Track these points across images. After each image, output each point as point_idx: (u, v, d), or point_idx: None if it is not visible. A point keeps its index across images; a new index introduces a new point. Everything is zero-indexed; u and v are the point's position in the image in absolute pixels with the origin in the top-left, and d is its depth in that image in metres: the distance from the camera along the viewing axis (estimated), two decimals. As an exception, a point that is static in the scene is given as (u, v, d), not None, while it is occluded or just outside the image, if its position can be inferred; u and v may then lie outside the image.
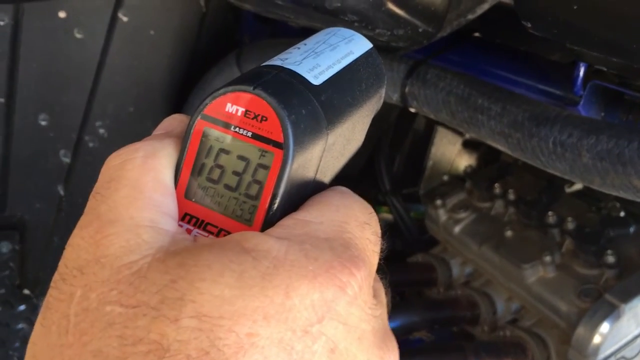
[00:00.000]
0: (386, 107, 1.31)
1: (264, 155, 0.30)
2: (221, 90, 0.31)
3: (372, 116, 0.37)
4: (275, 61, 0.33)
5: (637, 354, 0.99)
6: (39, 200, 1.16)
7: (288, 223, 0.30)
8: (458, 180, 1.40)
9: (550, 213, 1.14)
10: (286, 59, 0.33)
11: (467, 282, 1.27)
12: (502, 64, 0.76)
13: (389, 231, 1.43)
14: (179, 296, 0.25)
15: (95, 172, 1.20)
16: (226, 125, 0.31)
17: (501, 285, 1.18)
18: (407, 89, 0.70)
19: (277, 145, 0.30)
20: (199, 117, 0.32)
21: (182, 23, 1.11)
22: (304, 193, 0.32)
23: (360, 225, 0.31)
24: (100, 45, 1.04)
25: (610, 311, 0.95)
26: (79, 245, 0.28)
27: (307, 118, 0.31)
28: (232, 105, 0.31)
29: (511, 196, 1.23)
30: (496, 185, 1.25)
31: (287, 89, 0.31)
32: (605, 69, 0.55)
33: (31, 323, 1.28)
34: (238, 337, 0.25)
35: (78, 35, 1.03)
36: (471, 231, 1.25)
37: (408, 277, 1.30)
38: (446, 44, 0.79)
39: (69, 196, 1.17)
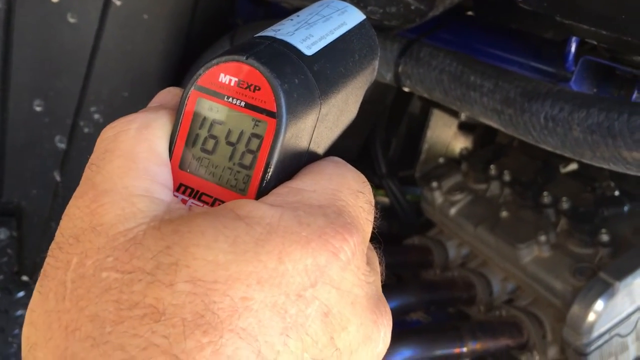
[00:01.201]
0: (381, 90, 1.32)
1: (257, 125, 0.30)
2: (214, 61, 0.31)
3: (365, 88, 0.37)
4: (268, 32, 0.33)
5: (631, 331, 1.00)
6: (35, 187, 1.16)
7: (281, 191, 0.30)
8: (454, 162, 1.40)
9: (545, 193, 1.15)
10: (279, 30, 0.33)
11: (463, 264, 1.28)
12: (495, 42, 0.76)
13: (385, 214, 1.43)
14: (174, 261, 0.26)
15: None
16: (219, 96, 0.31)
17: (497, 266, 1.19)
18: (400, 68, 0.70)
19: (270, 114, 0.30)
20: (192, 88, 0.31)
21: (176, 7, 1.11)
22: (297, 163, 0.32)
23: (353, 193, 0.31)
24: (94, 30, 1.04)
25: (605, 289, 0.96)
26: (75, 215, 0.29)
27: (299, 87, 0.31)
28: (225, 75, 0.31)
29: (507, 177, 1.23)
30: (492, 166, 1.26)
31: (280, 58, 0.31)
32: (596, 43, 0.55)
33: (30, 309, 1.28)
34: (232, 301, 0.25)
35: (71, 20, 1.02)
36: (467, 213, 1.26)
37: (405, 259, 1.31)
38: (439, 23, 0.79)
39: (66, 182, 1.17)
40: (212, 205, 0.31)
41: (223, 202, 0.31)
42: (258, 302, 0.26)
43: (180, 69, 1.16)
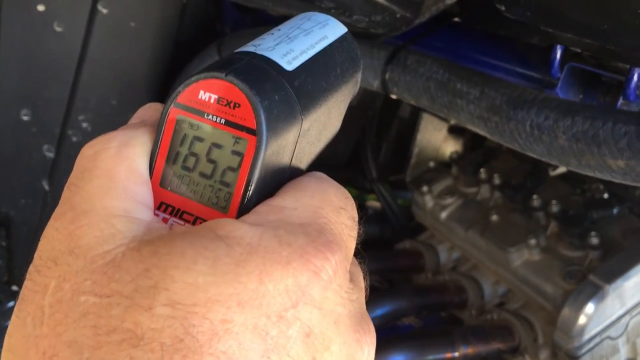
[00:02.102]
0: (370, 95, 1.31)
1: (237, 142, 0.30)
2: (193, 78, 0.31)
3: (348, 101, 0.37)
4: (249, 47, 0.33)
5: (622, 334, 1.00)
6: (24, 196, 1.15)
7: (262, 209, 0.30)
8: (444, 166, 1.40)
9: (534, 197, 1.15)
10: (259, 45, 0.33)
11: (454, 267, 1.28)
12: (481, 48, 0.76)
13: (376, 218, 1.43)
14: (152, 284, 0.25)
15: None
16: (199, 113, 0.31)
17: (488, 269, 1.19)
18: (387, 76, 0.70)
19: (251, 131, 0.30)
20: (172, 105, 0.31)
21: (163, 14, 1.10)
22: (279, 179, 0.32)
23: (335, 210, 0.31)
24: (81, 38, 1.04)
25: (595, 292, 0.96)
26: (53, 237, 0.28)
27: (280, 104, 0.30)
28: (205, 92, 0.30)
29: (496, 181, 1.24)
30: (482, 170, 1.26)
31: (260, 74, 0.31)
32: (580, 51, 0.55)
33: (20, 319, 1.27)
34: (212, 324, 0.25)
35: (58, 29, 1.02)
36: (457, 216, 1.26)
37: (396, 263, 1.31)
38: (426, 30, 0.79)
39: (54, 191, 1.17)
40: (194, 223, 0.31)
41: (204, 220, 0.31)
42: (238, 325, 0.25)
43: (168, 77, 1.15)
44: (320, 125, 0.34)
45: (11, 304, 1.28)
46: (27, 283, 0.28)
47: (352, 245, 0.31)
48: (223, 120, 0.30)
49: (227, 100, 0.30)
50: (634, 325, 1.00)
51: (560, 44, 0.57)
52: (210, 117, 0.30)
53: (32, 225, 1.19)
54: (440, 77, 0.64)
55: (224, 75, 0.30)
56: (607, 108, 0.50)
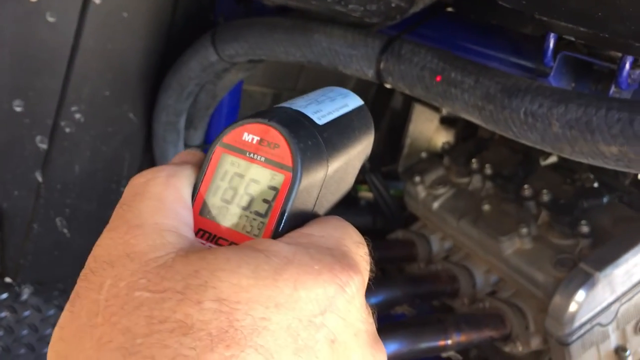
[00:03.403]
0: (363, 86, 1.32)
1: (274, 178, 0.35)
2: (239, 122, 0.36)
3: (362, 161, 0.42)
4: (284, 104, 0.38)
5: (612, 320, 1.02)
6: (17, 188, 1.15)
7: (293, 234, 0.34)
8: (436, 156, 1.41)
9: (526, 186, 1.16)
10: (293, 103, 0.38)
11: (446, 257, 1.29)
12: (475, 38, 0.77)
13: (369, 209, 1.44)
14: (202, 283, 0.29)
15: (72, 157, 1.20)
16: (242, 152, 0.36)
17: (480, 259, 1.21)
18: (382, 65, 0.71)
19: (287, 168, 0.35)
20: (218, 145, 0.36)
21: (156, 4, 1.10)
22: (304, 217, 0.36)
23: (355, 243, 0.35)
24: (73, 28, 1.03)
25: (586, 279, 0.97)
26: (108, 245, 0.32)
27: (312, 148, 0.36)
28: (249, 134, 0.36)
29: (488, 171, 1.25)
30: (473, 160, 1.27)
31: (297, 123, 0.36)
32: (573, 39, 0.56)
33: (14, 311, 1.27)
34: (253, 320, 0.28)
35: (50, 19, 1.02)
36: (450, 206, 1.27)
37: (389, 253, 1.32)
38: (420, 20, 0.80)
39: (48, 182, 1.16)
40: None
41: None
42: (275, 323, 0.28)
43: (161, 67, 1.15)
44: (339, 177, 0.39)
45: (4, 295, 1.28)
46: (81, 283, 0.31)
47: (366, 276, 0.35)
48: (263, 159, 0.35)
49: (267, 141, 0.35)
50: (623, 312, 1.02)
51: (554, 32, 0.58)
52: (251, 155, 0.36)
53: (25, 217, 1.19)
54: (434, 67, 0.64)
55: (267, 120, 0.35)
56: (600, 96, 0.51)
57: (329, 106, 0.40)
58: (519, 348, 1.10)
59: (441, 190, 1.30)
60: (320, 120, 0.38)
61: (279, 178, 0.35)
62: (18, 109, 1.07)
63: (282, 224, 0.35)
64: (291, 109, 0.37)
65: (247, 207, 0.35)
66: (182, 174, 0.36)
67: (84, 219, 1.24)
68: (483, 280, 1.21)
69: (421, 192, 1.31)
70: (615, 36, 0.47)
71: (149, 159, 1.24)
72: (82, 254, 1.19)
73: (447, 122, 1.44)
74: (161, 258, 0.30)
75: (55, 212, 1.21)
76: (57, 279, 1.31)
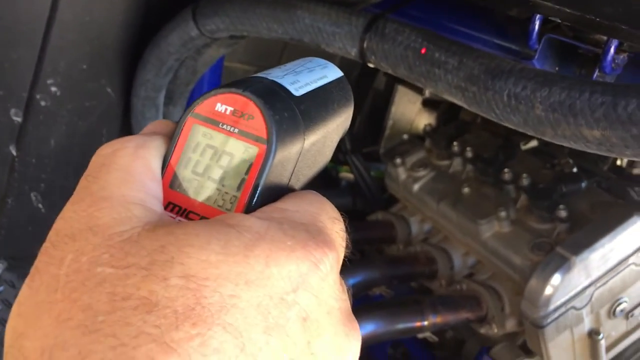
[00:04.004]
0: (346, 66, 1.31)
1: (247, 151, 0.34)
2: (212, 92, 0.35)
3: (340, 135, 0.41)
4: (260, 74, 0.37)
5: (586, 304, 1.03)
6: (-11, 161, 1.12)
7: (266, 209, 0.33)
8: (417, 139, 1.41)
9: (506, 170, 1.16)
10: (269, 73, 0.37)
11: (425, 239, 1.30)
12: (460, 19, 0.76)
13: (349, 190, 1.44)
14: (168, 259, 0.27)
15: (48, 131, 1.17)
16: (214, 123, 0.34)
17: (458, 241, 1.21)
18: (365, 44, 0.70)
19: (261, 141, 0.33)
20: (189, 115, 0.35)
21: (136, -24, 1.07)
22: (280, 191, 0.35)
23: (330, 219, 0.34)
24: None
25: (562, 263, 0.98)
26: (71, 217, 0.30)
27: (288, 120, 0.34)
28: (222, 104, 0.34)
29: (469, 154, 1.25)
30: (455, 143, 1.27)
31: (273, 94, 0.35)
32: (559, 21, 0.55)
33: (-13, 286, 1.25)
34: (221, 297, 0.27)
35: (26, -11, 0.99)
36: (430, 189, 1.27)
37: (368, 234, 1.32)
38: (405, -1, 0.79)
39: (22, 156, 1.14)
40: None
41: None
42: (244, 301, 0.27)
43: (140, 41, 1.13)
44: (316, 150, 0.38)
45: (-23, 271, 1.26)
46: (41, 257, 0.30)
47: (342, 253, 0.34)
48: (236, 130, 0.34)
49: (241, 112, 0.34)
50: (598, 296, 1.03)
51: (540, 14, 0.57)
52: (224, 126, 0.34)
53: (-1, 191, 1.16)
54: (418, 46, 0.63)
55: (241, 91, 0.34)
56: (584, 79, 0.50)
57: (307, 77, 0.38)
58: (494, 330, 1.11)
59: (422, 173, 1.30)
60: (298, 92, 0.36)
61: (252, 151, 0.34)
62: (-8, 81, 1.05)
63: (255, 199, 0.33)
64: (267, 79, 0.36)
65: (219, 181, 0.34)
66: (152, 145, 0.34)
67: (60, 194, 1.22)
68: (461, 263, 1.22)
69: (402, 174, 1.31)
70: (602, 18, 0.47)
71: (126, 135, 1.22)
72: (56, 229, 1.14)
73: (430, 104, 1.44)
74: (126, 232, 0.29)
75: (30, 187, 1.19)
76: (31, 254, 1.29)
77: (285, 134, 0.34)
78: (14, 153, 1.13)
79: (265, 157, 0.33)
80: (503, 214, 1.11)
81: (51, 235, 0.30)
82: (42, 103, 1.10)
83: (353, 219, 1.36)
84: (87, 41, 1.08)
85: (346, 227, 0.35)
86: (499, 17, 0.75)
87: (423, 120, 1.45)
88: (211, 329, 0.26)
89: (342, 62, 1.30)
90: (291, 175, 0.36)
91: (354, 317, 0.34)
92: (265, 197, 0.34)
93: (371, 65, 0.72)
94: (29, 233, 1.24)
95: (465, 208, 1.17)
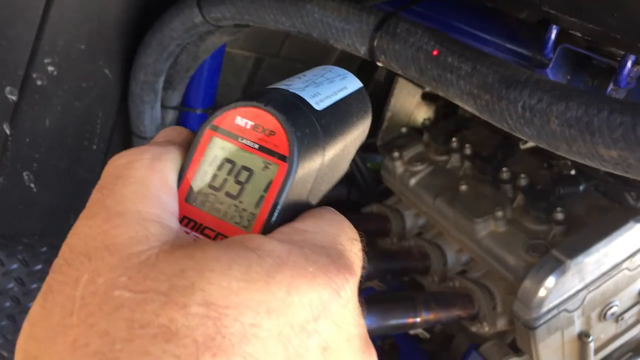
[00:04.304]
0: (347, 57, 1.29)
1: (267, 167, 0.33)
2: (232, 105, 0.34)
3: (357, 147, 0.40)
4: (281, 85, 0.36)
5: (578, 307, 1.03)
6: (-17, 139, 1.10)
7: (286, 230, 0.32)
8: (416, 132, 1.40)
9: (504, 169, 1.16)
10: (290, 85, 0.36)
11: (419, 233, 1.30)
12: (471, 20, 0.75)
13: (344, 180, 1.43)
14: (189, 284, 0.26)
15: (43, 111, 1.14)
16: (234, 136, 0.33)
17: (452, 238, 1.21)
18: (375, 42, 0.68)
19: (282, 158, 0.32)
20: (207, 127, 0.34)
21: (139, -43, 1.05)
22: (298, 207, 0.34)
23: (350, 240, 0.33)
24: (50, -24, 0.98)
25: (557, 266, 0.98)
26: (85, 233, 0.29)
27: (309, 137, 0.33)
28: (242, 118, 0.33)
29: (467, 151, 1.24)
30: (453, 139, 1.26)
31: (295, 109, 0.34)
32: (579, 35, 0.55)
33: (-24, 265, 1.24)
34: (242, 327, 0.26)
35: (25, -35, 0.96)
36: (426, 184, 1.26)
37: (362, 227, 1.31)
38: (416, -3, 0.77)
39: (16, 135, 1.12)
40: (214, 239, 0.33)
41: (226, 236, 0.33)
42: (265, 330, 0.27)
43: (141, 23, 1.11)
44: (334, 165, 0.37)
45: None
46: (55, 275, 0.29)
47: (359, 274, 0.33)
48: (256, 145, 0.33)
49: (262, 127, 0.33)
50: (590, 299, 1.04)
51: (559, 26, 0.56)
52: (244, 141, 0.33)
53: (-9, 169, 1.14)
54: (430, 49, 0.62)
55: (263, 105, 0.33)
56: (603, 96, 0.50)
57: (328, 89, 0.37)
58: (485, 328, 1.12)
59: (419, 167, 1.29)
60: (319, 105, 0.35)
61: (273, 168, 0.33)
62: (-13, 58, 1.02)
63: (275, 217, 0.32)
64: (288, 91, 0.35)
65: (236, 196, 0.33)
66: (168, 157, 0.33)
67: (53, 175, 1.20)
68: (454, 259, 1.22)
69: (399, 167, 1.31)
70: (623, 35, 0.46)
71: (123, 118, 1.20)
72: (48, 209, 1.16)
73: (429, 97, 1.43)
74: (143, 253, 0.28)
75: (22, 166, 1.17)
76: (21, 233, 1.28)
77: (307, 151, 0.33)
78: (8, 132, 1.11)
79: (286, 176, 0.32)
80: (500, 213, 1.11)
81: (64, 251, 0.29)
82: (38, 82, 1.08)
83: (347, 210, 1.36)
84: (87, 20, 1.06)
85: (363, 246, 0.34)
86: (509, 19, 0.74)
87: (422, 113, 1.45)
88: (231, 359, 0.25)
89: (342, 54, 1.29)
90: (310, 191, 0.35)
91: (371, 343, 0.33)
92: (284, 216, 0.33)
93: (379, 64, 0.71)
94: (19, 212, 1.23)
95: (462, 205, 1.17)
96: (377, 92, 1.45)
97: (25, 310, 1.33)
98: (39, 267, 1.33)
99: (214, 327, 0.26)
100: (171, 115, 1.18)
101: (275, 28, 0.79)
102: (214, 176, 0.33)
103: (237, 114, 0.33)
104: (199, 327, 0.26)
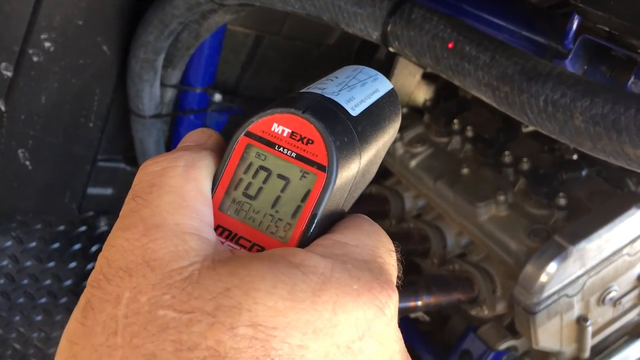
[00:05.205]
0: (348, 37, 1.27)
1: (305, 177, 0.32)
2: (268, 111, 0.33)
3: (386, 151, 0.39)
4: (314, 89, 0.35)
5: (578, 292, 1.04)
6: (-23, 116, 1.08)
7: (327, 243, 0.31)
8: (416, 113, 1.39)
9: (506, 153, 1.15)
10: (324, 88, 0.35)
11: (418, 215, 1.29)
12: (486, 5, 0.73)
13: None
14: (235, 304, 0.26)
15: (39, 87, 1.12)
16: (270, 144, 0.32)
17: (453, 221, 1.21)
18: (389, 28, 0.67)
19: (321, 167, 0.32)
20: (242, 134, 0.33)
21: None
22: (334, 218, 0.33)
23: (388, 252, 0.33)
24: (47, -51, 0.95)
25: (559, 252, 0.99)
26: (124, 247, 0.28)
27: (348, 145, 0.33)
28: (279, 125, 0.32)
29: (469, 133, 1.23)
30: (455, 121, 1.25)
31: (332, 116, 0.33)
32: (605, 28, 0.53)
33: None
34: (290, 348, 0.26)
35: (22, -63, 0.93)
36: (427, 166, 1.26)
37: (361, 209, 1.31)
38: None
39: (11, 112, 1.10)
40: (250, 249, 0.32)
41: (261, 247, 0.32)
42: (312, 352, 0.26)
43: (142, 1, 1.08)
44: (367, 170, 0.36)
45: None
46: (94, 291, 0.28)
47: (396, 286, 0.33)
48: (294, 154, 0.32)
49: (300, 135, 0.32)
50: (590, 285, 1.04)
51: (587, 19, 0.55)
52: (281, 149, 0.32)
53: (-14, 146, 1.12)
54: (447, 37, 0.61)
55: (301, 112, 0.32)
56: (629, 93, 0.49)
57: (361, 93, 0.36)
58: (485, 312, 1.12)
59: (419, 149, 1.28)
60: (354, 111, 0.35)
61: (311, 177, 0.32)
62: (-18, 33, 1.00)
63: (313, 228, 0.32)
64: (324, 96, 0.34)
65: (272, 206, 0.32)
66: (202, 164, 0.32)
67: (48, 152, 1.18)
68: (454, 242, 1.22)
69: (399, 148, 1.30)
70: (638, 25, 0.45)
71: (120, 96, 1.18)
72: (43, 187, 1.14)
73: (429, 77, 1.41)
74: (185, 269, 0.27)
75: (17, 143, 1.15)
76: (16, 211, 1.27)
77: (345, 160, 0.32)
78: (3, 108, 1.09)
79: (325, 186, 0.31)
80: (501, 197, 1.11)
81: (102, 265, 0.28)
82: (35, 58, 1.05)
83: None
84: (85, -4, 1.03)
85: (399, 258, 0.34)
86: (523, 5, 0.73)
87: (422, 93, 1.43)
88: None
89: (344, 32, 1.27)
90: (345, 198, 0.34)
91: (409, 356, 0.33)
92: (322, 226, 0.32)
93: (392, 50, 0.69)
94: (14, 189, 1.21)
95: (463, 189, 1.16)
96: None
97: (19, 287, 1.32)
98: (33, 244, 1.32)
99: (262, 349, 0.25)
100: (170, 93, 1.16)
101: (284, 9, 0.77)
102: (249, 184, 0.33)
103: (273, 121, 0.32)
104: (247, 349, 0.25)
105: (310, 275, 0.28)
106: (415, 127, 1.32)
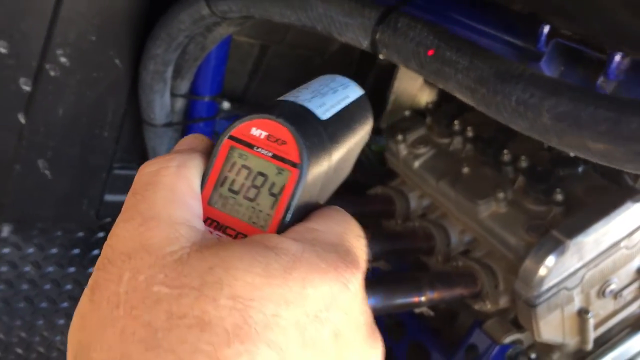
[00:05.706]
0: (350, 44, 1.31)
1: (280, 173, 0.37)
2: (248, 117, 0.38)
3: (360, 150, 0.44)
4: (290, 97, 0.40)
5: (577, 285, 1.07)
6: (-1, 129, 1.14)
7: (299, 229, 0.36)
8: (419, 115, 1.42)
9: (505, 151, 1.19)
10: (298, 96, 0.40)
11: (423, 215, 1.33)
12: (469, 12, 0.77)
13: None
14: (217, 280, 0.30)
15: (57, 100, 1.20)
16: (250, 146, 0.37)
17: (456, 219, 1.24)
18: (377, 36, 0.71)
19: (293, 164, 0.36)
20: (227, 137, 0.38)
21: (146, -50, 1.07)
22: (307, 208, 0.38)
23: (356, 237, 0.37)
24: (61, -30, 1.01)
25: (556, 246, 1.01)
26: (125, 236, 0.33)
27: (317, 145, 0.37)
28: (257, 129, 0.37)
29: (469, 133, 1.27)
30: (456, 122, 1.29)
31: (303, 120, 0.38)
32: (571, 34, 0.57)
33: (-5, 250, 1.28)
34: (265, 317, 0.30)
35: (37, -40, 0.99)
36: (430, 166, 1.29)
37: (368, 209, 1.35)
38: (416, -10, 0.79)
39: (30, 124, 1.16)
40: (235, 237, 0.37)
41: (245, 235, 0.37)
42: (285, 319, 0.30)
43: (150, 14, 1.13)
44: (340, 167, 0.41)
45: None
46: (99, 273, 0.33)
47: (365, 268, 0.37)
48: (270, 154, 0.37)
49: (275, 137, 0.37)
50: (589, 277, 1.07)
51: (548, 24, 0.59)
52: (259, 149, 0.37)
53: (6, 158, 1.18)
54: (429, 44, 0.65)
55: (275, 117, 0.37)
56: (592, 91, 0.52)
57: (332, 99, 0.41)
58: (488, 306, 1.15)
59: (422, 150, 1.32)
60: (324, 115, 0.39)
61: (285, 174, 0.37)
62: (2, 50, 1.06)
63: (288, 217, 0.36)
64: (296, 103, 0.39)
65: (253, 199, 0.37)
66: (192, 164, 0.37)
67: (66, 162, 1.24)
68: (457, 240, 1.25)
69: (403, 150, 1.34)
70: (601, 35, 0.48)
71: (133, 107, 1.23)
72: (62, 195, 1.20)
73: (432, 80, 1.45)
74: (176, 252, 0.32)
75: (37, 154, 1.21)
76: (37, 218, 1.32)
77: (315, 157, 0.37)
78: (23, 121, 1.15)
79: (298, 180, 0.36)
80: (501, 195, 1.14)
81: (107, 251, 0.33)
82: (52, 73, 1.11)
83: (353, 192, 1.39)
84: (97, 13, 1.09)
85: (367, 242, 0.38)
86: (505, 11, 0.76)
87: (425, 96, 1.47)
88: (257, 345, 0.29)
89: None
90: (318, 192, 0.39)
91: (376, 328, 0.37)
92: (297, 216, 0.37)
93: (382, 57, 0.74)
94: (34, 198, 1.27)
95: (465, 187, 1.20)
96: (380, 75, 1.48)
97: (42, 293, 1.37)
98: (54, 251, 1.37)
99: (240, 317, 0.29)
100: (180, 102, 1.21)
101: (281, 21, 0.81)
102: (233, 181, 0.38)
103: (252, 125, 0.37)
104: (228, 317, 0.29)
105: (282, 256, 0.32)
106: (418, 129, 1.35)
